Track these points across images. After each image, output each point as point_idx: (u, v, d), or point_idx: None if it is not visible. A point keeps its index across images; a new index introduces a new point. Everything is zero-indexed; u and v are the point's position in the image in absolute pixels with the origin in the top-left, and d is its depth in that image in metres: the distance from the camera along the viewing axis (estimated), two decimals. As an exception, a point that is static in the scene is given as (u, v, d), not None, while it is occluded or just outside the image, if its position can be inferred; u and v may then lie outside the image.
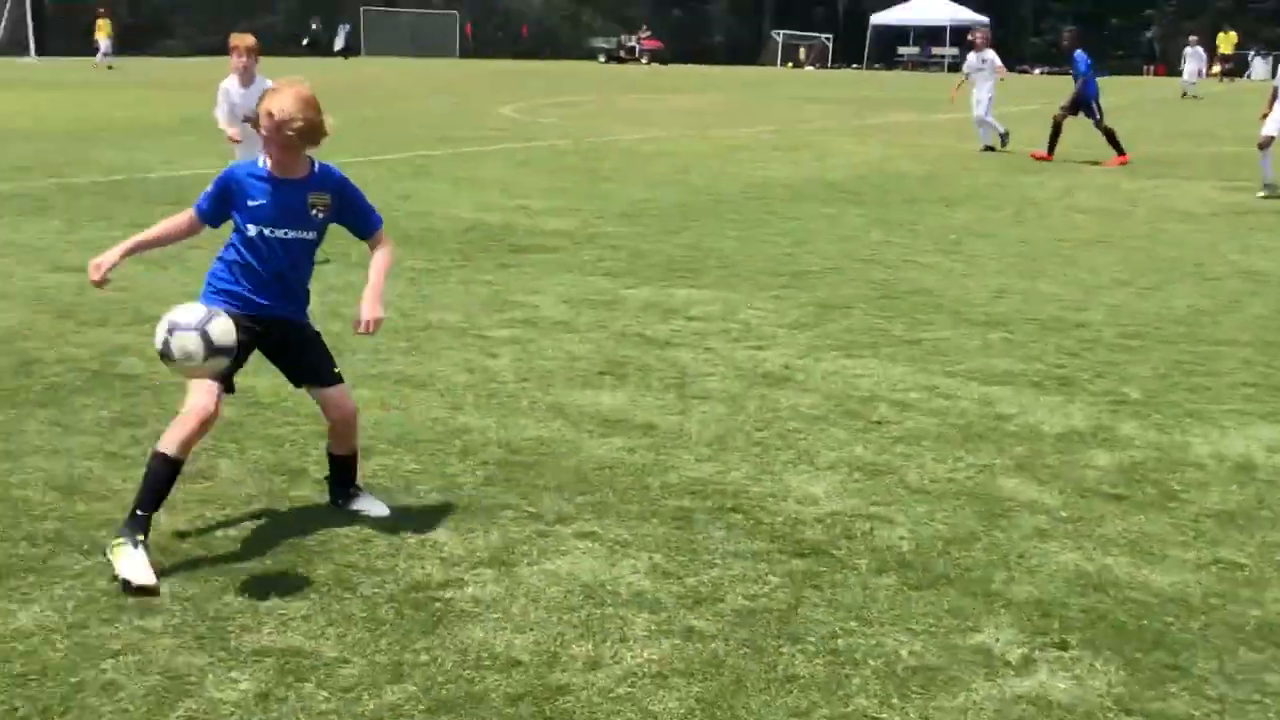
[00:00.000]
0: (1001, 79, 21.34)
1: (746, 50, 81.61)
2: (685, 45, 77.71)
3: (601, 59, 69.14)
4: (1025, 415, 6.53)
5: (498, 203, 13.54)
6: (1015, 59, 73.38)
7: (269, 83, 8.98)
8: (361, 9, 73.84)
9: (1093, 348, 7.94)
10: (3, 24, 54.19)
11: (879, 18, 70.52)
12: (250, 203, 4.69)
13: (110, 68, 43.62)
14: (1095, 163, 18.73)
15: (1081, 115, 18.88)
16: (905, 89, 44.39)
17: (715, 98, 35.70)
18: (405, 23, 75.76)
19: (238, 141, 9.93)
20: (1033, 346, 7.96)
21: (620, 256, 10.65)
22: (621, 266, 10.24)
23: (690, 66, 66.65)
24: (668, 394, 6.78)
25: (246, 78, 10.20)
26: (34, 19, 54.79)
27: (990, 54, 21.01)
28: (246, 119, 9.06)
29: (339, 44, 66.40)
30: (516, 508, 5.13)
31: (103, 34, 46.90)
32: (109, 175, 15.04)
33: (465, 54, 73.84)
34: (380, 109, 27.90)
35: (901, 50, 74.15)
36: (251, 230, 4.70)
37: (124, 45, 63.70)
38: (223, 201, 4.73)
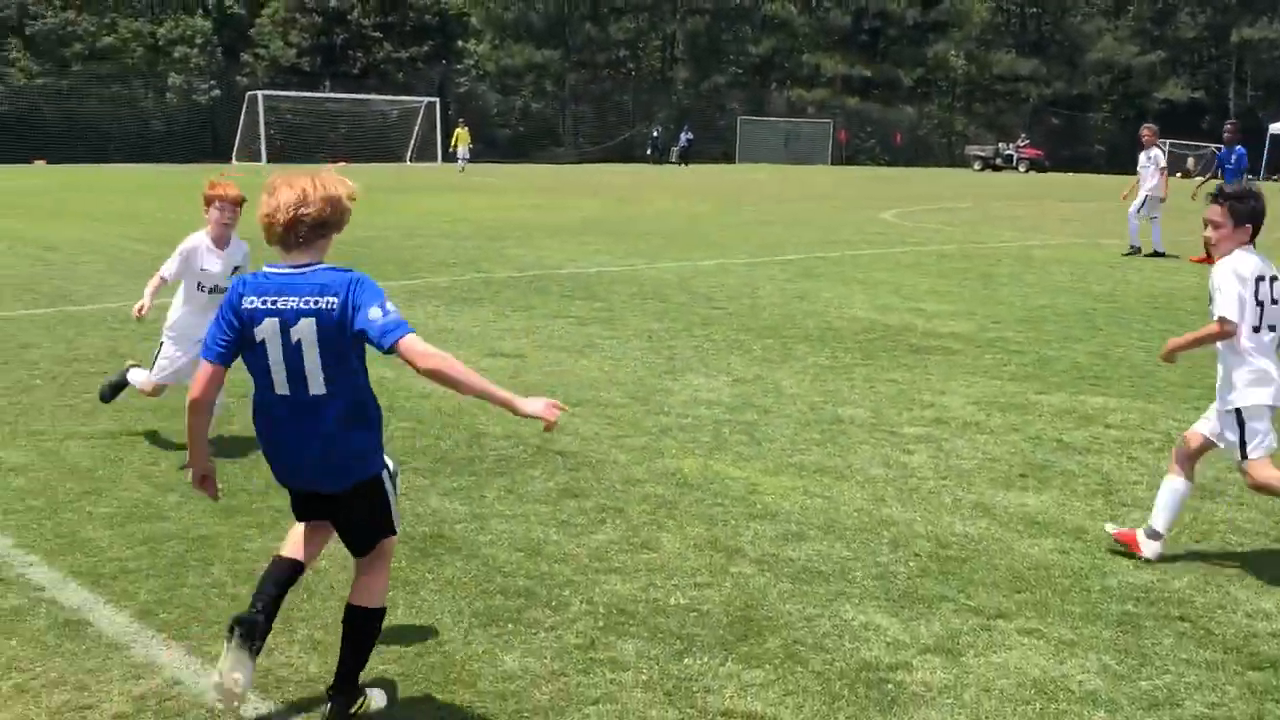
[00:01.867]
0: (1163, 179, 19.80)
1: (1128, 159, 78.83)
2: (1064, 153, 75.95)
3: (977, 166, 68.31)
4: None
5: (892, 304, 13.66)
6: None
7: (246, 246, 7.38)
8: (739, 118, 76.32)
9: None
10: (414, 137, 59.42)
11: (1278, 127, 66.49)
12: None
13: (463, 171, 47.56)
14: None
15: None
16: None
17: (1101, 205, 34.69)
18: (779, 130, 77.67)
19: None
20: None
21: (1025, 361, 10.53)
22: (1027, 371, 10.12)
23: (1070, 175, 64.97)
24: (1095, 499, 6.67)
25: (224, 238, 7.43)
26: (442, 130, 59.71)
27: (1156, 152, 19.80)
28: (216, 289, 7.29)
29: (674, 154, 67.27)
30: (955, 600, 5.19)
31: (461, 144, 50.67)
32: (524, 271, 16.17)
33: (837, 161, 74.84)
34: (766, 213, 28.69)
35: (1305, 159, 69.51)
36: None
37: (516, 152, 68.58)
38: None
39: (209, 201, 7.32)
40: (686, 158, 66.30)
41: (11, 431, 7.70)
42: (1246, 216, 5.53)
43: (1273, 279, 5.52)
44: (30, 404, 8.44)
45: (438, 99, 61.68)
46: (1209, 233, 5.64)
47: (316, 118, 58.85)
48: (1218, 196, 5.61)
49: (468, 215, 25.80)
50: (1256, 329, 5.46)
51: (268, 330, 3.81)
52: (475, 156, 53.19)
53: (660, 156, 68.00)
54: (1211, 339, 5.52)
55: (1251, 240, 5.60)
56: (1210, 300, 5.56)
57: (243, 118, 55.22)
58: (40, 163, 51.77)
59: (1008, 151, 68.79)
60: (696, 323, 12.26)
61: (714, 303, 13.62)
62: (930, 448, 7.69)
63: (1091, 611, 5.10)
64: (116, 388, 7.82)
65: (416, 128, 59.98)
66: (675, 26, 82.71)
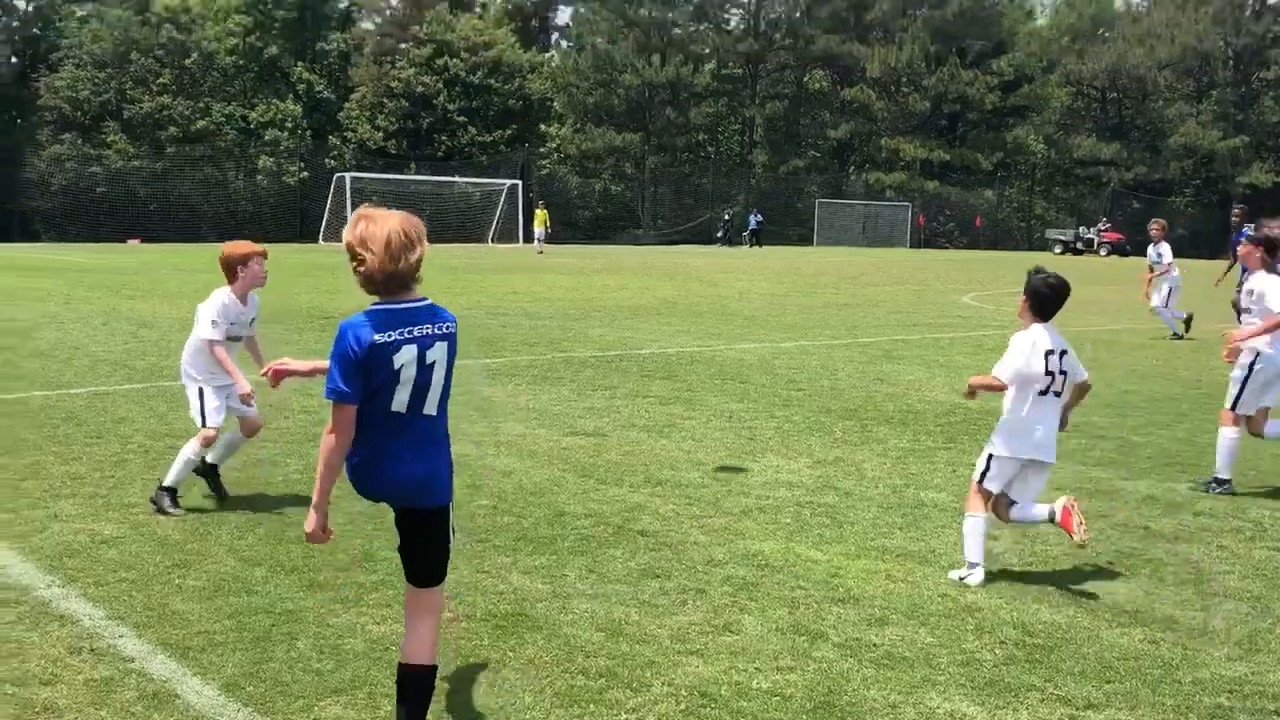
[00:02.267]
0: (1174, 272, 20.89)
1: (1212, 243, 77.88)
2: (1146, 237, 75.14)
3: (1057, 250, 67.86)
4: None
5: (974, 389, 13.55)
6: None
7: (256, 296, 8.01)
8: (816, 201, 76.62)
9: None
10: (496, 219, 60.39)
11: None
12: None
13: (540, 253, 47.81)
14: None
15: None
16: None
17: (1185, 291, 34.29)
18: (857, 213, 77.83)
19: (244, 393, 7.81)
20: None
21: (1110, 447, 10.39)
22: (1113, 457, 9.99)
23: (1153, 259, 64.15)
24: (1184, 589, 6.53)
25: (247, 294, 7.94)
26: (524, 212, 60.59)
27: (1165, 247, 21.16)
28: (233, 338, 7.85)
29: (746, 237, 68.02)
30: (1042, 689, 5.10)
31: (539, 224, 51.28)
32: (604, 350, 16.29)
33: (915, 244, 74.73)
34: (845, 295, 28.69)
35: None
36: None
37: (595, 234, 69.40)
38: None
39: (245, 260, 7.74)
40: (758, 239, 66.72)
41: (105, 504, 7.88)
42: (1029, 291, 6.62)
43: (1063, 353, 6.59)
44: (123, 477, 8.63)
45: (520, 181, 62.64)
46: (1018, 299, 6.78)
47: (401, 199, 59.62)
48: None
49: (550, 295, 26.09)
50: (1043, 393, 6.59)
51: (407, 356, 4.14)
52: (555, 238, 53.75)
53: (732, 239, 68.48)
54: (991, 389, 6.59)
55: (1051, 314, 6.66)
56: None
57: (330, 198, 56.43)
58: (135, 241, 53.20)
59: (1088, 235, 68.29)
60: (777, 404, 12.26)
61: (794, 384, 13.61)
62: (1015, 533, 7.59)
63: (1184, 704, 4.98)
64: (210, 472, 8.05)
65: (499, 209, 60.91)
66: (754, 111, 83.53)
